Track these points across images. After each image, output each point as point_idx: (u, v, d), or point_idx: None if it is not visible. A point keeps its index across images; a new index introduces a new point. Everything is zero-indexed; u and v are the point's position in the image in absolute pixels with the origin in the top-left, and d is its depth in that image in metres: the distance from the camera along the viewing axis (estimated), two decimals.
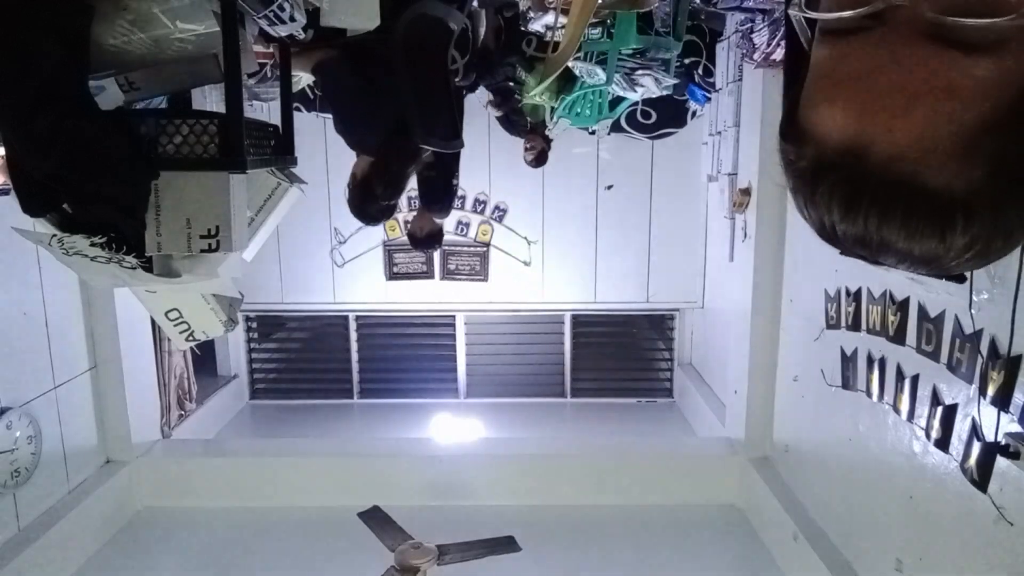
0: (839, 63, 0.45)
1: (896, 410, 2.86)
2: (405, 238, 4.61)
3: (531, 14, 3.42)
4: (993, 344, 2.28)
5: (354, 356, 6.36)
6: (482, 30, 2.91)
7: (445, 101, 2.18)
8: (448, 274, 6.01)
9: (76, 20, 1.41)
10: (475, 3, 2.54)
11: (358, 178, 2.26)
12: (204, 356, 5.89)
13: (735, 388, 4.57)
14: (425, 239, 3.10)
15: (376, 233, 5.83)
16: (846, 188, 0.45)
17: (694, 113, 5.60)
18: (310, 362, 6.59)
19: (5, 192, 2.54)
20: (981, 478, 2.33)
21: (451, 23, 2.13)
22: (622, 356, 6.52)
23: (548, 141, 4.85)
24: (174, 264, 1.60)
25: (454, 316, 6.27)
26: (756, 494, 4.23)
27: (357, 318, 6.29)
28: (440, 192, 2.85)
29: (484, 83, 3.83)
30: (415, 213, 3.18)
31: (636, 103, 4.89)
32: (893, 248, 0.46)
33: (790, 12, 0.50)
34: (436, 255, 5.90)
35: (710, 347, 5.90)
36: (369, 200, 2.29)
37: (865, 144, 0.43)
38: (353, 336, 6.33)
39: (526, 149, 4.71)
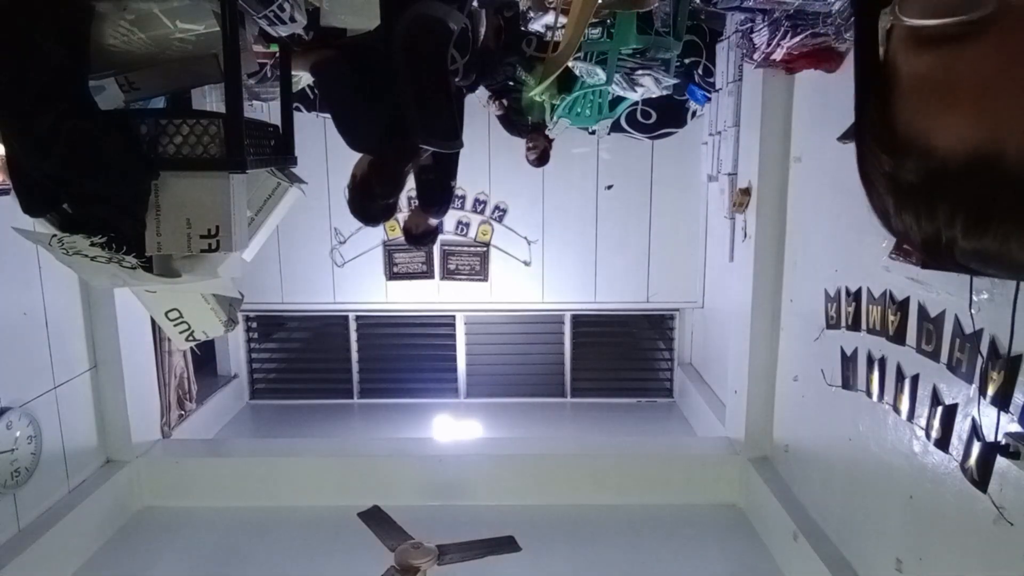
0: (950, 69, 0.43)
1: (896, 410, 2.86)
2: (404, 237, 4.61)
3: (531, 14, 3.42)
4: (993, 344, 2.28)
5: (354, 356, 6.36)
6: (482, 30, 2.91)
7: (445, 101, 2.18)
8: (448, 274, 6.01)
9: (76, 20, 1.41)
10: (475, 3, 2.54)
11: (358, 178, 2.26)
12: (204, 356, 5.89)
13: (735, 388, 4.57)
14: (420, 236, 3.10)
15: (376, 233, 5.83)
16: (976, 199, 0.43)
17: (694, 113, 5.60)
18: (310, 362, 6.59)
19: (5, 192, 2.54)
20: (981, 478, 2.33)
21: (451, 23, 2.13)
22: (622, 356, 6.52)
23: (549, 141, 4.85)
24: (174, 264, 1.60)
25: (454, 316, 6.27)
26: (756, 494, 4.23)
27: (357, 318, 6.29)
28: (438, 193, 2.85)
29: (484, 83, 3.83)
30: (412, 210, 3.17)
31: (636, 103, 4.89)
32: (1012, 259, 0.44)
33: (881, 21, 0.47)
34: (436, 255, 5.90)
35: (710, 347, 5.90)
36: (369, 200, 2.29)
37: (996, 152, 0.41)
38: (353, 336, 6.33)
39: (528, 148, 4.71)
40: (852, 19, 2.70)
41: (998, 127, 0.41)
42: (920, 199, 0.46)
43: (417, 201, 3.01)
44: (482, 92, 4.31)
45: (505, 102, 4.55)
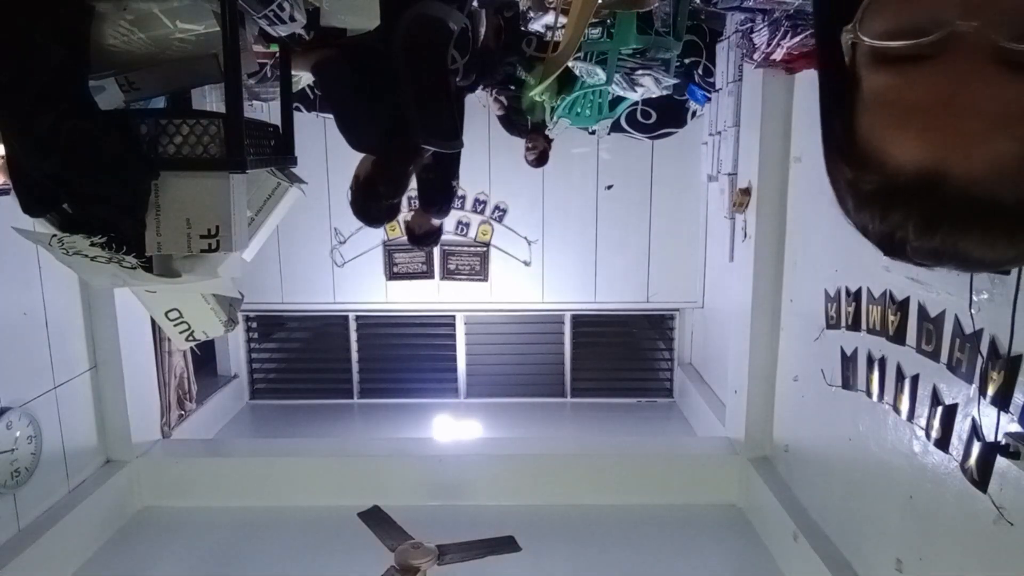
0: (906, 90, 0.46)
1: (896, 410, 2.86)
2: (405, 237, 4.61)
3: (531, 14, 3.42)
4: (993, 344, 2.28)
5: (354, 356, 6.36)
6: (482, 30, 2.91)
7: (445, 101, 2.18)
8: (448, 274, 6.01)
9: (76, 20, 1.41)
10: (475, 3, 2.54)
11: (361, 179, 2.26)
12: (204, 356, 5.89)
13: (735, 388, 4.57)
14: (423, 236, 3.10)
15: (376, 233, 5.83)
16: (924, 211, 0.46)
17: (694, 113, 5.60)
18: (310, 362, 6.59)
19: (5, 192, 2.54)
20: (981, 478, 2.33)
21: (451, 23, 2.13)
22: (622, 356, 6.52)
23: (548, 141, 4.85)
24: (174, 264, 1.60)
25: (454, 316, 6.27)
26: (756, 494, 4.23)
27: (357, 318, 6.29)
28: (439, 193, 2.85)
29: (484, 83, 3.83)
30: (414, 211, 3.17)
31: (636, 103, 4.89)
32: (965, 257, 0.48)
33: (843, 38, 0.50)
34: (436, 255, 5.90)
35: (710, 347, 5.90)
36: (372, 200, 2.29)
37: (942, 171, 0.44)
38: (353, 336, 6.33)
39: (528, 149, 4.71)
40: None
41: (944, 149, 0.44)
42: (875, 206, 0.49)
43: (418, 201, 3.01)
44: (482, 92, 4.31)
45: (505, 101, 4.55)
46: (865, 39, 0.47)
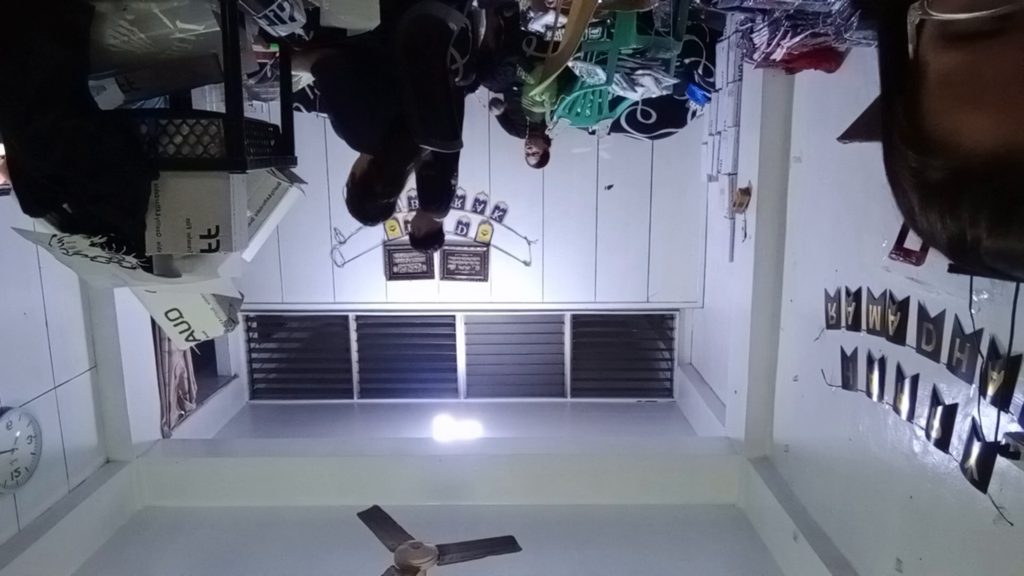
0: (978, 66, 0.43)
1: (896, 410, 2.86)
2: (405, 238, 4.60)
3: (531, 14, 3.42)
4: (993, 344, 2.28)
5: (354, 356, 6.36)
6: (482, 30, 2.91)
7: (444, 101, 2.18)
8: (448, 274, 6.01)
9: (76, 20, 1.41)
10: (475, 3, 2.54)
11: (357, 177, 2.26)
12: (204, 356, 5.89)
13: (735, 388, 4.57)
14: (425, 239, 3.09)
15: (376, 233, 5.83)
16: (999, 200, 0.43)
17: (694, 113, 5.60)
18: (310, 362, 6.59)
19: (5, 192, 2.54)
20: (981, 478, 2.33)
21: (451, 23, 2.13)
22: (622, 356, 6.52)
23: (548, 141, 4.85)
24: (174, 264, 1.60)
25: (454, 316, 6.27)
26: (756, 494, 4.23)
27: (357, 318, 6.29)
28: (438, 192, 2.85)
29: (484, 83, 3.83)
30: (414, 213, 3.17)
31: (636, 103, 4.89)
32: None
33: (909, 16, 0.47)
34: (436, 255, 5.90)
35: (710, 347, 5.90)
36: (368, 199, 2.29)
37: (1020, 150, 0.41)
38: (353, 336, 6.33)
39: (529, 153, 4.71)
40: (852, 19, 2.70)
41: (1021, 126, 0.41)
42: (944, 197, 0.46)
43: (417, 201, 3.01)
44: (484, 93, 4.32)
45: (502, 99, 4.55)
46: (933, 13, 0.44)
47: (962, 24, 0.43)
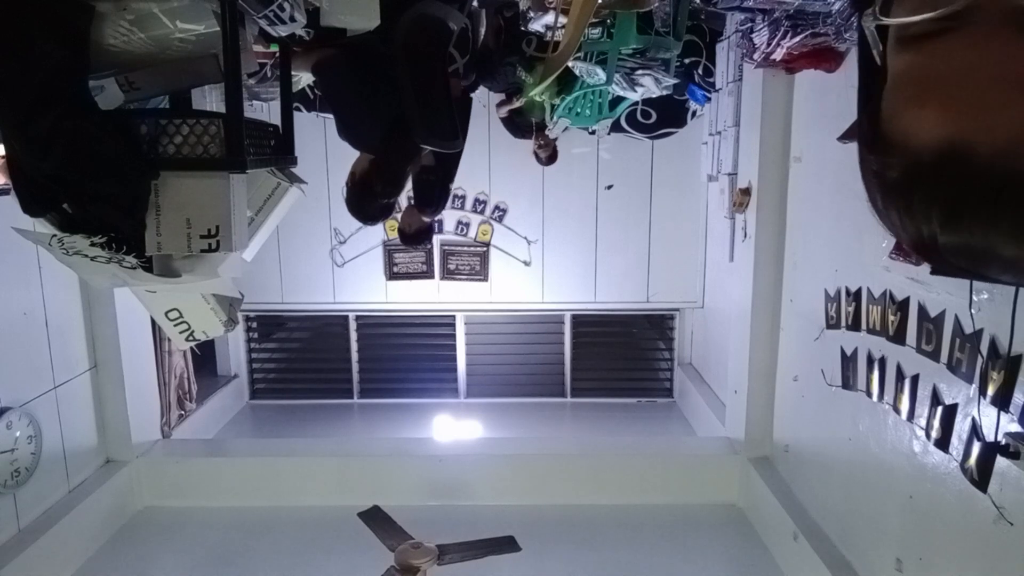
0: (926, 66, 0.44)
1: (896, 410, 2.86)
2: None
3: (531, 14, 3.42)
4: (993, 344, 2.28)
5: (354, 356, 6.36)
6: (482, 30, 2.90)
7: (444, 101, 2.18)
8: (448, 274, 6.01)
9: (76, 20, 1.41)
10: (475, 3, 2.54)
11: (357, 176, 2.26)
12: (204, 356, 5.89)
13: (735, 388, 4.57)
14: (414, 235, 3.09)
15: (376, 233, 5.83)
16: (948, 192, 0.43)
17: (694, 113, 5.60)
18: (310, 362, 6.59)
19: (5, 192, 2.54)
20: (981, 478, 2.33)
21: (451, 23, 2.13)
22: (622, 356, 6.52)
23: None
24: (174, 264, 1.60)
25: (454, 316, 6.27)
26: (756, 494, 4.23)
27: (357, 318, 6.29)
28: (435, 194, 2.85)
29: (484, 83, 3.83)
30: (404, 209, 3.15)
31: (636, 103, 4.89)
32: (999, 255, 0.44)
33: (863, 23, 0.48)
34: (436, 255, 5.90)
35: (710, 347, 5.90)
36: (368, 198, 2.29)
37: (964, 144, 0.41)
38: (353, 336, 6.33)
39: (540, 147, 4.68)
40: (852, 19, 2.70)
41: (968, 121, 0.42)
42: (901, 196, 0.46)
43: (413, 200, 3.00)
44: (482, 92, 4.30)
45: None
46: (884, 19, 0.45)
47: (914, 27, 0.44)
